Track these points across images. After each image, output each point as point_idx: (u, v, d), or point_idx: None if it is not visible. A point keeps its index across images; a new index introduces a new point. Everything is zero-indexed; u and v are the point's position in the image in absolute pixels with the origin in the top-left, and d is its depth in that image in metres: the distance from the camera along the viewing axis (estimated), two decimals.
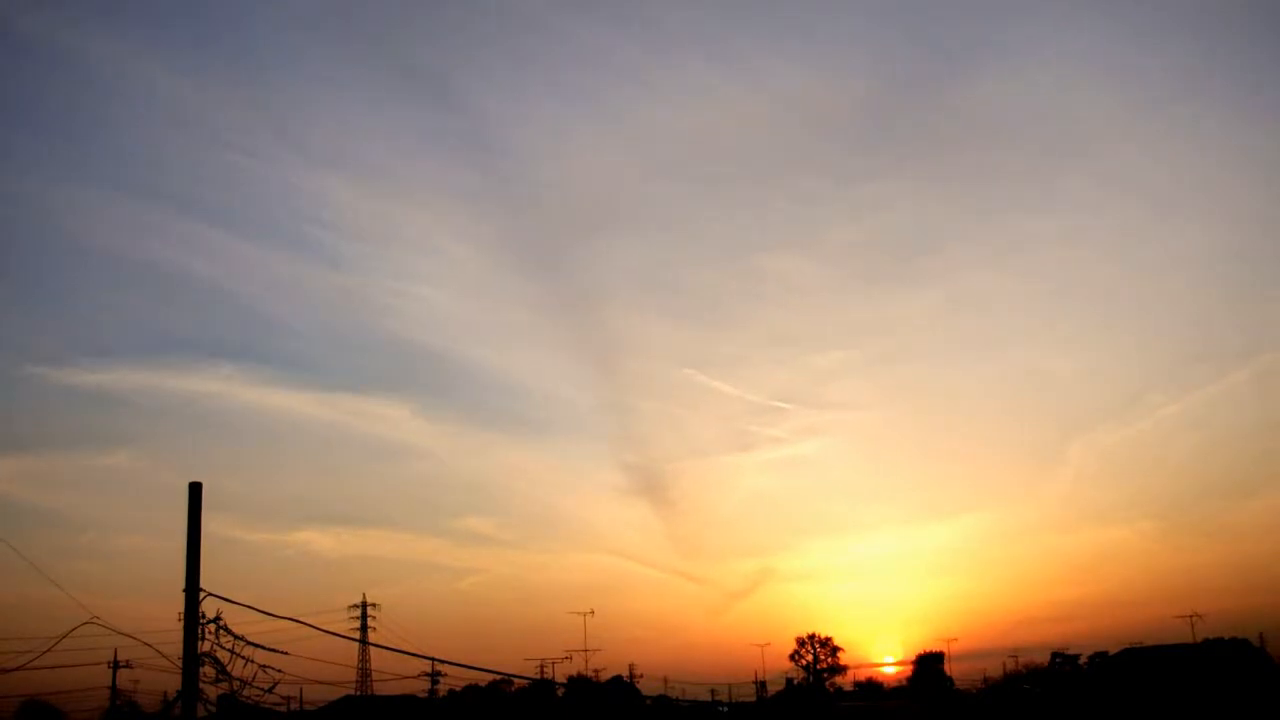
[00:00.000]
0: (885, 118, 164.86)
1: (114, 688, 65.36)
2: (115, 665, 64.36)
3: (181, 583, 16.11)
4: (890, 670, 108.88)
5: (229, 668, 16.51)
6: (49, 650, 19.45)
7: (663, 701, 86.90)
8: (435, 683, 72.17)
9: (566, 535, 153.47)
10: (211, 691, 16.68)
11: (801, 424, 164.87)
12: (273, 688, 17.55)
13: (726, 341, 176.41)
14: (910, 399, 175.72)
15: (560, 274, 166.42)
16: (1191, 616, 78.58)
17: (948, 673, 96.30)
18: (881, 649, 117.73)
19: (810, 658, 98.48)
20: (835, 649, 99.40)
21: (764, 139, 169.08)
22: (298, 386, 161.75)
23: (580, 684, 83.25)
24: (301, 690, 59.69)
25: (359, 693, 77.79)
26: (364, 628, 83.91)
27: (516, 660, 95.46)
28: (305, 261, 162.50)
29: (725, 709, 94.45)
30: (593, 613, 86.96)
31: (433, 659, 52.11)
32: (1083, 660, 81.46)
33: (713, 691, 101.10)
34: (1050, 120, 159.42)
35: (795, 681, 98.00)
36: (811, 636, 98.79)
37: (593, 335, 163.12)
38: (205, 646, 16.16)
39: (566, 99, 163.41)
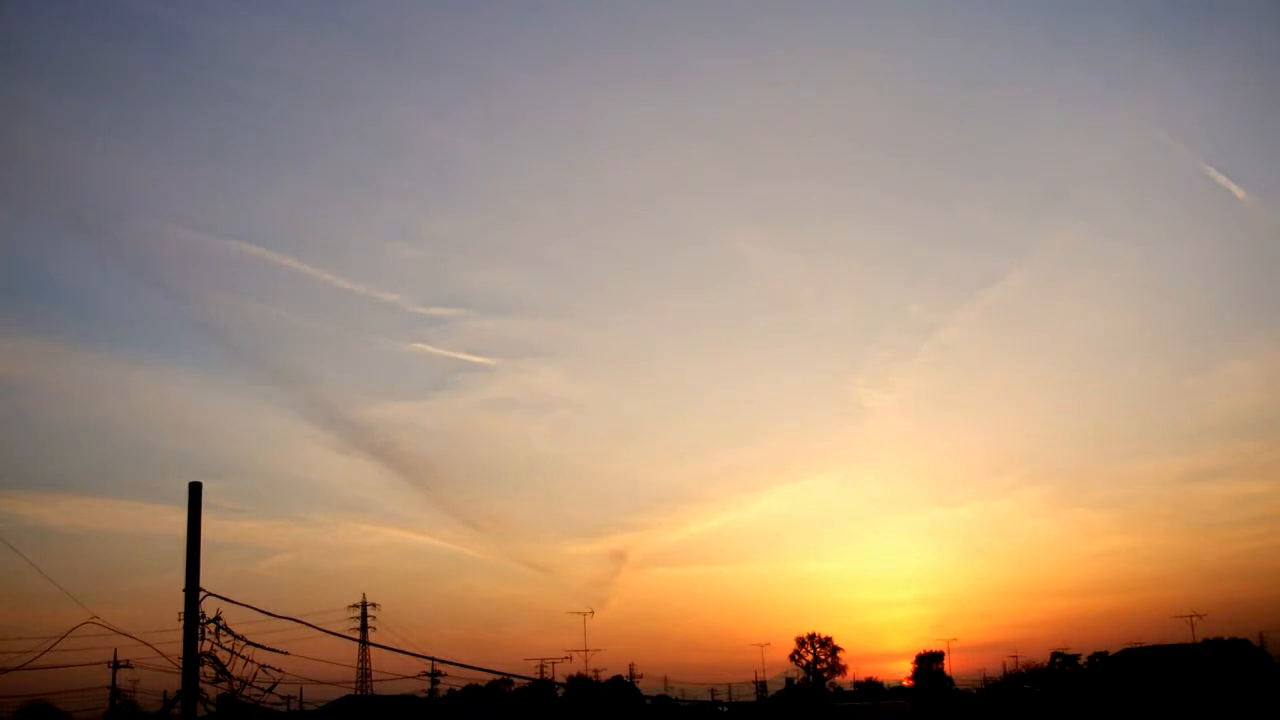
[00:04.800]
0: None
1: (114, 688, 65.28)
2: (115, 665, 64.34)
3: (182, 583, 16.11)
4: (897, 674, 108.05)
5: (229, 668, 16.49)
6: (49, 650, 19.45)
7: (663, 701, 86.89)
8: (435, 683, 72.20)
9: (337, 505, 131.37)
10: (211, 691, 16.66)
11: (481, 341, 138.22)
12: (273, 688, 17.56)
13: (288, 200, 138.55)
14: (626, 310, 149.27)
15: None
16: (1191, 617, 78.68)
17: (947, 672, 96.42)
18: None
19: (810, 657, 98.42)
20: (835, 649, 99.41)
21: None
22: None
23: (580, 684, 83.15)
24: (301, 690, 59.77)
25: (359, 693, 77.74)
26: (364, 628, 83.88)
27: (514, 660, 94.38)
28: None
29: (725, 709, 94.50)
30: (592, 613, 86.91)
31: (433, 659, 52.23)
32: (1083, 660, 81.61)
33: (713, 691, 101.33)
34: None
35: (795, 681, 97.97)
36: (811, 636, 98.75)
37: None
38: (205, 646, 16.15)
39: None
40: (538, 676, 79.67)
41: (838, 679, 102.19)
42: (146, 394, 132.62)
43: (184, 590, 16.04)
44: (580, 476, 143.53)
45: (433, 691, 74.69)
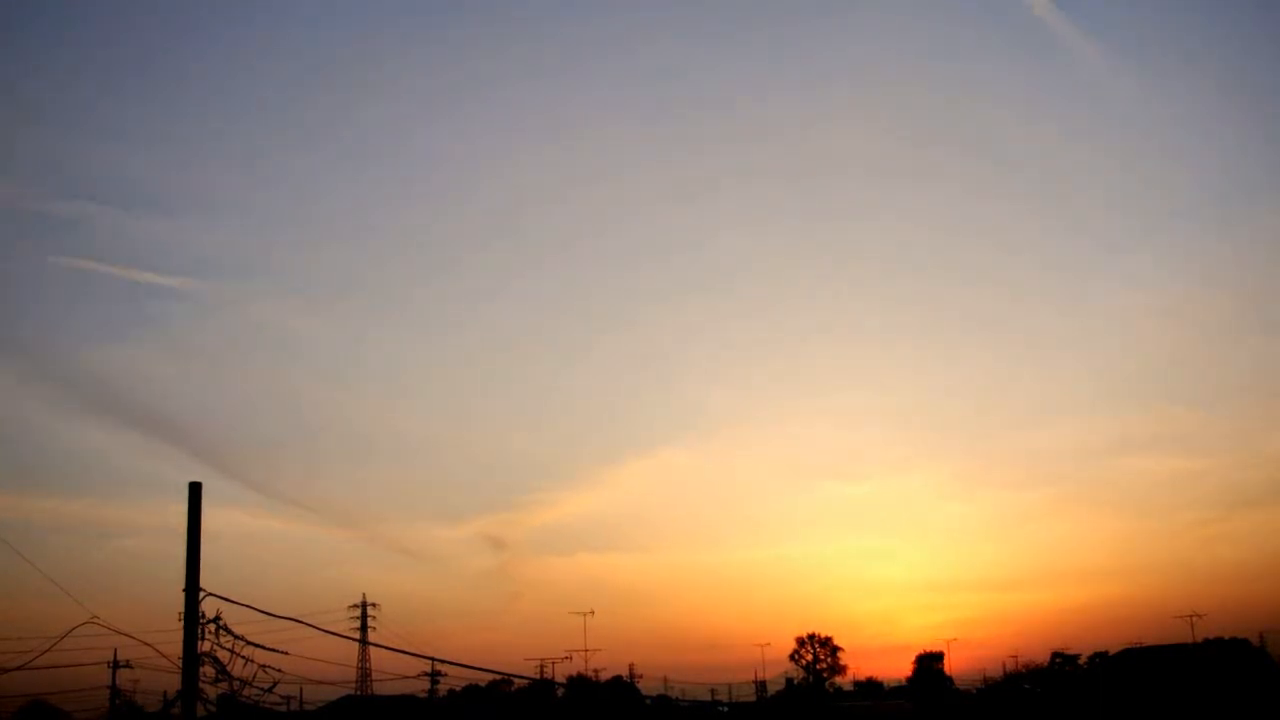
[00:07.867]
0: None
1: (114, 688, 65.19)
2: (115, 665, 64.24)
3: (182, 582, 16.10)
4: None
5: (229, 668, 16.48)
6: (49, 650, 19.43)
7: (663, 701, 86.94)
8: (435, 683, 72.16)
9: (118, 481, 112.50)
10: (211, 691, 16.66)
11: (151, 253, 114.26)
12: (273, 688, 17.54)
13: None
14: (353, 226, 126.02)
15: None
16: (1191, 616, 78.82)
17: (947, 672, 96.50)
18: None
19: (810, 657, 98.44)
20: (835, 649, 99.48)
21: None
22: None
23: (580, 684, 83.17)
24: (301, 690, 59.70)
25: (359, 693, 77.76)
26: (364, 628, 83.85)
27: (514, 660, 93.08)
28: None
29: (725, 709, 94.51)
30: (593, 613, 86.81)
31: (433, 659, 52.21)
32: (1083, 660, 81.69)
33: (713, 691, 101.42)
34: None
35: (795, 681, 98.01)
36: (811, 636, 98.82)
37: None
38: (205, 646, 16.13)
39: None
40: (538, 676, 79.75)
41: (838, 679, 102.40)
42: None
43: (184, 590, 16.03)
44: (392, 444, 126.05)
45: (433, 691, 74.70)
